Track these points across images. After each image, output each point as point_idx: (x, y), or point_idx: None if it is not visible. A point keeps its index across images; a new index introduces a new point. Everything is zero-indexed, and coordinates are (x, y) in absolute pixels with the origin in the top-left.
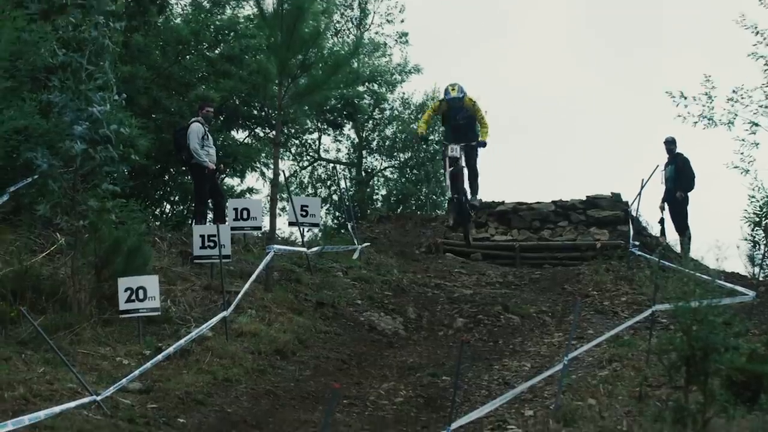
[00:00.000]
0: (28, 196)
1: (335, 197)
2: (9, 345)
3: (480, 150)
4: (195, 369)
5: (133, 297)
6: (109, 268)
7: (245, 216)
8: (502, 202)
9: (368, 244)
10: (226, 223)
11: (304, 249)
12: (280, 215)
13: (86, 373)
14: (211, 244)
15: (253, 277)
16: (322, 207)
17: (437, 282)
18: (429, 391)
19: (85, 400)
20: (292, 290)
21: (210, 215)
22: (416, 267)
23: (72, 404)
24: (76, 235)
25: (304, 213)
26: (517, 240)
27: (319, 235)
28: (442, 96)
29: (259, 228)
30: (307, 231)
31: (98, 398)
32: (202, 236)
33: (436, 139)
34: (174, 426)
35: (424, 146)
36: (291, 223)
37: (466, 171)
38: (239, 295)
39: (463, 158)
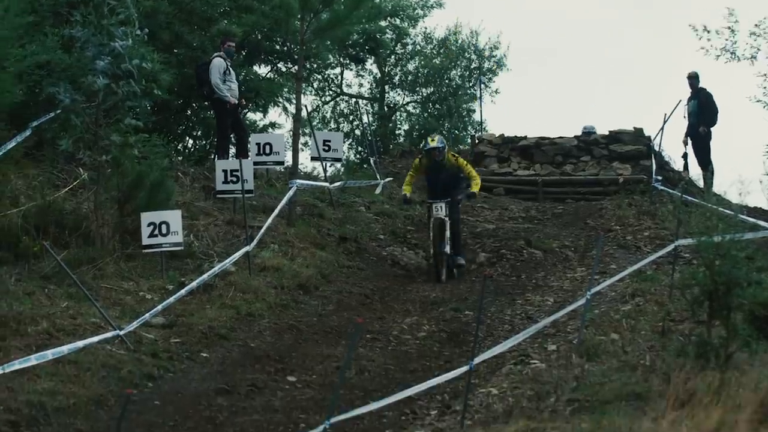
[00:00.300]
0: (51, 131)
1: (358, 132)
2: (32, 279)
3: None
4: (218, 304)
5: (156, 232)
6: (132, 202)
7: (268, 151)
8: (525, 137)
9: (391, 179)
10: (249, 158)
11: (326, 184)
12: (302, 150)
13: (109, 308)
14: (234, 179)
15: (276, 211)
16: (344, 142)
17: (460, 216)
18: (452, 326)
19: (109, 334)
20: (315, 225)
21: (232, 150)
22: None
23: (95, 339)
24: (99, 170)
25: (326, 148)
26: (540, 175)
27: (342, 169)
28: (422, 155)
29: (282, 163)
30: (330, 166)
31: (121, 333)
32: (225, 171)
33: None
34: (197, 360)
35: (407, 207)
36: (313, 158)
37: (448, 222)
38: (262, 230)
39: (447, 214)
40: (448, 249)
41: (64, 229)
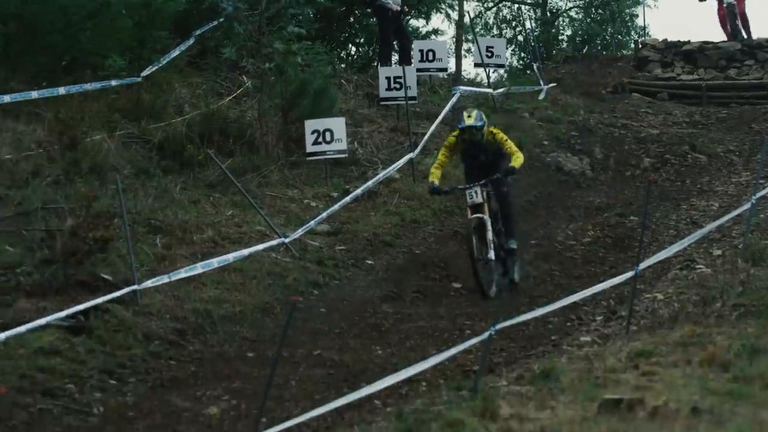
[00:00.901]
0: (214, 39)
1: (520, 38)
2: (197, 188)
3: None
4: (382, 211)
5: (320, 139)
6: (296, 110)
7: (431, 57)
8: (688, 42)
9: (554, 84)
10: (412, 65)
11: (489, 90)
12: (465, 56)
13: (274, 216)
14: (397, 86)
15: (440, 118)
16: (507, 48)
17: (624, 122)
18: (617, 231)
19: (274, 242)
20: None
21: (395, 57)
22: (602, 107)
23: (260, 246)
24: (262, 78)
25: (489, 54)
26: (704, 79)
27: (505, 76)
28: (457, 132)
29: (445, 69)
30: (493, 72)
31: (286, 240)
32: (388, 78)
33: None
34: (362, 267)
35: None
36: (476, 65)
37: (489, 221)
38: (425, 137)
39: (485, 199)
40: (492, 254)
41: (228, 137)
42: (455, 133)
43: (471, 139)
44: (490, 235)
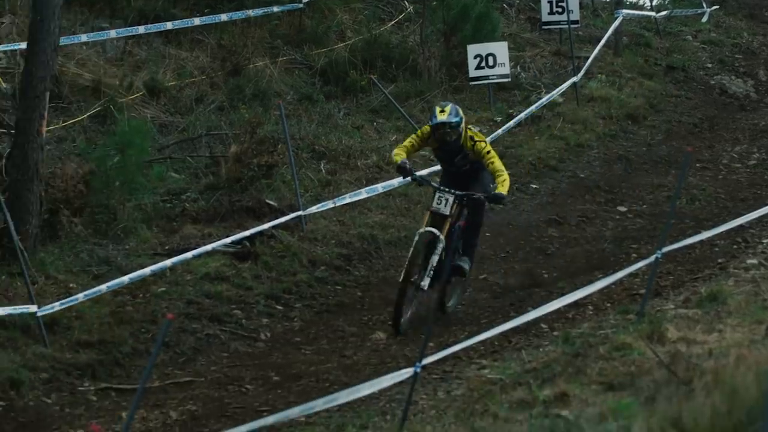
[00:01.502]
0: None
1: None
2: (361, 113)
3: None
4: (546, 135)
5: (483, 64)
6: (458, 35)
7: None
8: None
9: (717, 7)
10: None
11: (652, 13)
12: None
13: None
14: (560, 10)
15: (603, 42)
16: None
17: None
18: None
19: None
20: (642, 54)
21: None
22: (766, 29)
23: (424, 171)
24: (424, 3)
25: None
26: None
27: None
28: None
29: None
30: None
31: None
32: (550, 2)
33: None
34: (526, 192)
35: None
36: None
37: (442, 245)
38: (589, 61)
39: (452, 213)
40: (426, 283)
41: (391, 63)
42: (428, 128)
43: (443, 139)
44: (435, 260)
